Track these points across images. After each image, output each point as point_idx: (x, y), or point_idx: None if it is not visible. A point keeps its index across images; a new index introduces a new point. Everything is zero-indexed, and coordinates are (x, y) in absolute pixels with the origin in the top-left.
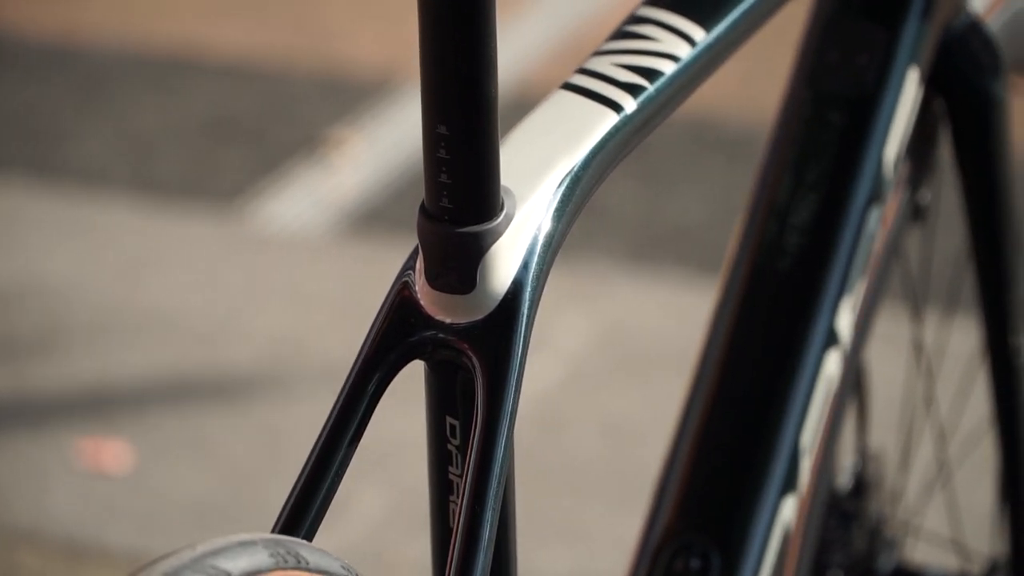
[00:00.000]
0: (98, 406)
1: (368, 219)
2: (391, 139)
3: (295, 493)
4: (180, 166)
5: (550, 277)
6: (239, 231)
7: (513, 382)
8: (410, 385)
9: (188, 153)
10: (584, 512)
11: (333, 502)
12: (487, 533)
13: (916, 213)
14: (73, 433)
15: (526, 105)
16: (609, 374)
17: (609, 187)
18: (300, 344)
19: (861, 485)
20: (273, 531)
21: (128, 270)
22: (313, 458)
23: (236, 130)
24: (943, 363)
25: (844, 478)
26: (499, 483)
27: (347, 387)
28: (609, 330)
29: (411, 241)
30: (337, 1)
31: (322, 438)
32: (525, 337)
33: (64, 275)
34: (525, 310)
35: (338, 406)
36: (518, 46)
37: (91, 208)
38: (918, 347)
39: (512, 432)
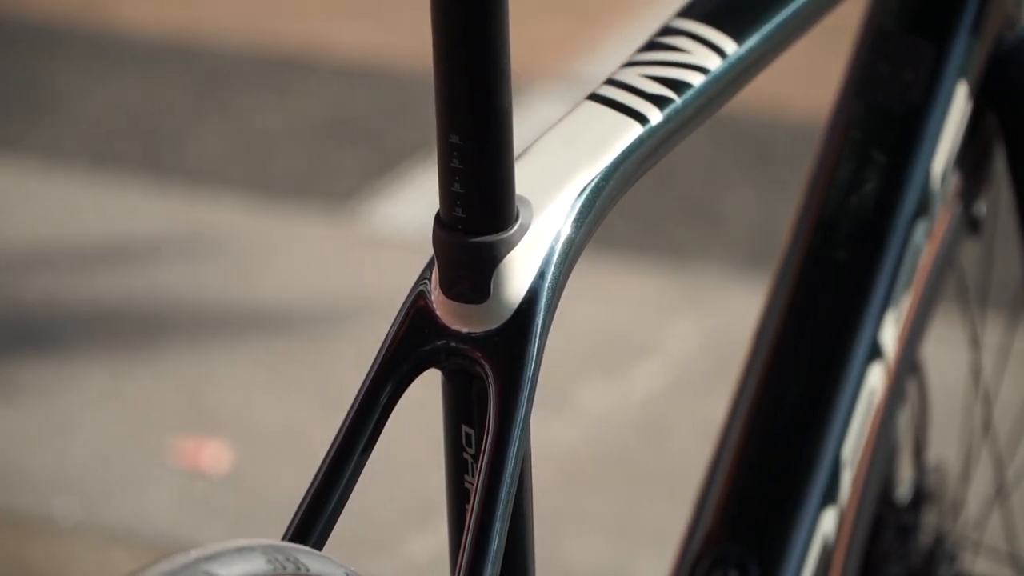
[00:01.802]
0: (199, 406)
1: None
2: None
3: (306, 501)
4: (296, 166)
5: (664, 284)
6: (352, 232)
7: (526, 391)
8: None
9: (304, 153)
10: (683, 519)
11: (434, 502)
12: (495, 544)
13: (973, 227)
14: (172, 432)
15: None
16: (716, 381)
17: (725, 194)
18: None
19: (919, 497)
20: (283, 539)
21: (238, 269)
22: (325, 466)
23: (353, 131)
24: (1007, 373)
25: (903, 490)
26: (509, 493)
27: (361, 395)
28: (719, 337)
29: None
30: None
31: (335, 446)
32: (540, 347)
33: (173, 273)
34: (540, 320)
35: (351, 414)
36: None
37: (204, 207)
38: (976, 372)
39: (525, 441)
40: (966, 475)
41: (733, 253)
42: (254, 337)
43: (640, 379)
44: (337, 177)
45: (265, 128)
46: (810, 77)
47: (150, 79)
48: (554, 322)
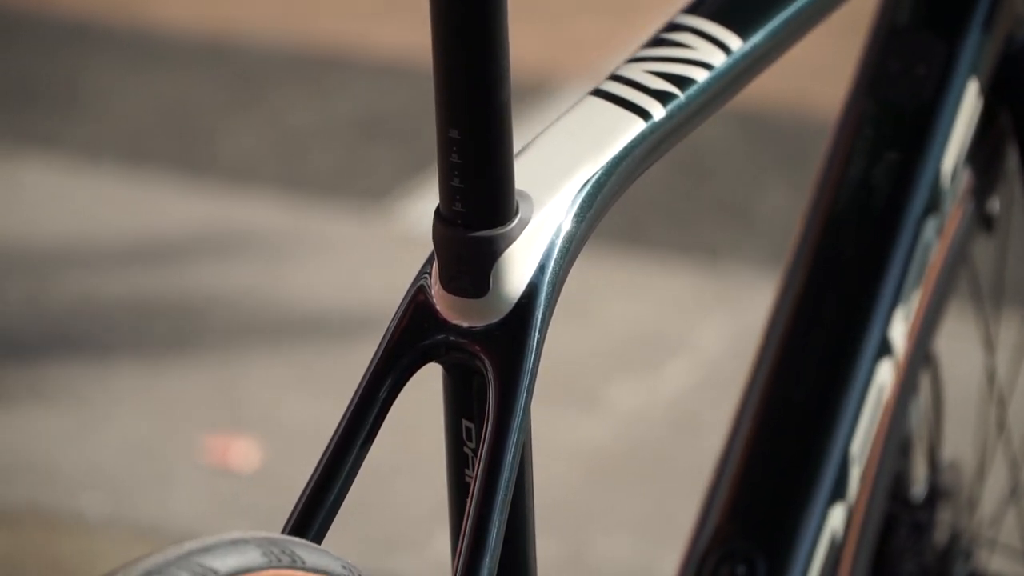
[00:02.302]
0: (229, 403)
1: None
2: None
3: (306, 494)
4: (330, 164)
5: (697, 283)
6: (385, 231)
7: (525, 385)
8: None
9: (338, 152)
10: None
11: None
12: (494, 537)
13: (987, 224)
14: (201, 429)
15: None
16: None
17: (759, 193)
18: None
19: (934, 495)
20: (283, 532)
21: (270, 267)
22: (325, 459)
23: (388, 130)
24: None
25: (918, 487)
26: (508, 487)
27: (361, 388)
28: (751, 336)
29: None
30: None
31: (335, 439)
32: (539, 341)
33: (206, 271)
34: (540, 314)
35: (351, 408)
36: None
37: (237, 205)
38: (990, 376)
39: (524, 436)
40: (981, 473)
41: (766, 252)
42: (285, 335)
43: (671, 378)
44: (371, 175)
45: (299, 126)
46: (846, 77)
47: (184, 76)
48: (586, 320)
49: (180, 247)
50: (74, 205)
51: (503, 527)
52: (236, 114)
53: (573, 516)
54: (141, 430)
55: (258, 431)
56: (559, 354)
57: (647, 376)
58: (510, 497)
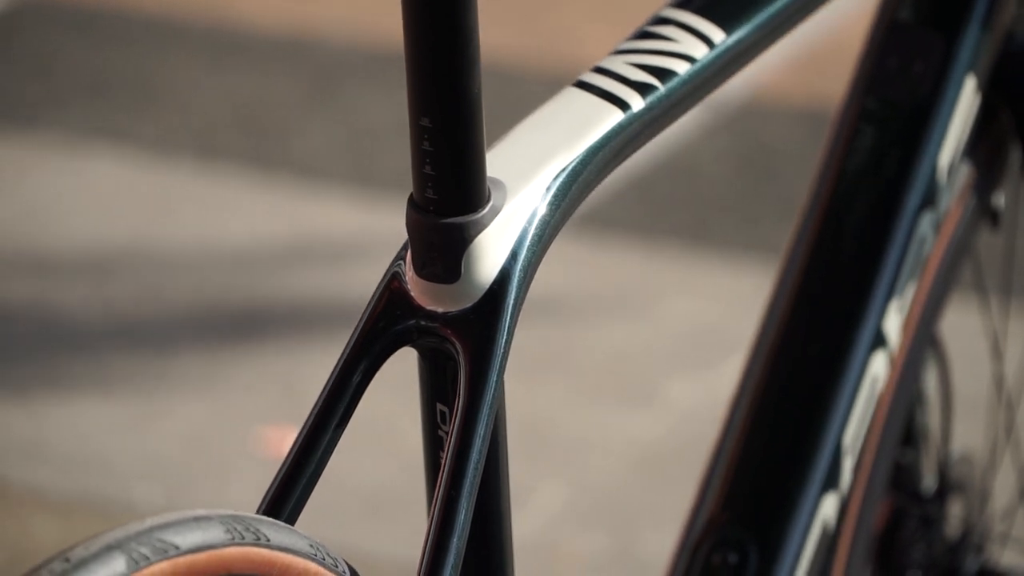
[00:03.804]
0: (289, 397)
1: (584, 218)
2: None
3: (280, 475)
4: (400, 164)
5: (759, 282)
6: None
7: (495, 370)
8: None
9: (409, 151)
10: None
11: (514, 493)
12: (462, 517)
13: (993, 219)
14: (259, 422)
15: (759, 109)
16: None
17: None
18: None
19: (944, 489)
20: (257, 512)
21: (337, 264)
22: (299, 442)
23: None
24: None
25: (928, 481)
26: (476, 468)
27: (336, 372)
28: None
29: (626, 243)
30: (569, 2)
31: (309, 422)
32: (510, 326)
33: (272, 265)
34: (511, 300)
35: (326, 390)
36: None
37: (307, 201)
38: (998, 381)
39: (493, 418)
40: (992, 468)
41: None
42: (346, 330)
43: (729, 376)
44: None
45: (372, 124)
46: None
47: (260, 73)
48: (647, 316)
49: (247, 242)
50: (145, 198)
51: (471, 508)
52: (310, 111)
53: (623, 510)
54: (198, 421)
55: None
56: (618, 349)
57: (705, 373)
58: (479, 478)
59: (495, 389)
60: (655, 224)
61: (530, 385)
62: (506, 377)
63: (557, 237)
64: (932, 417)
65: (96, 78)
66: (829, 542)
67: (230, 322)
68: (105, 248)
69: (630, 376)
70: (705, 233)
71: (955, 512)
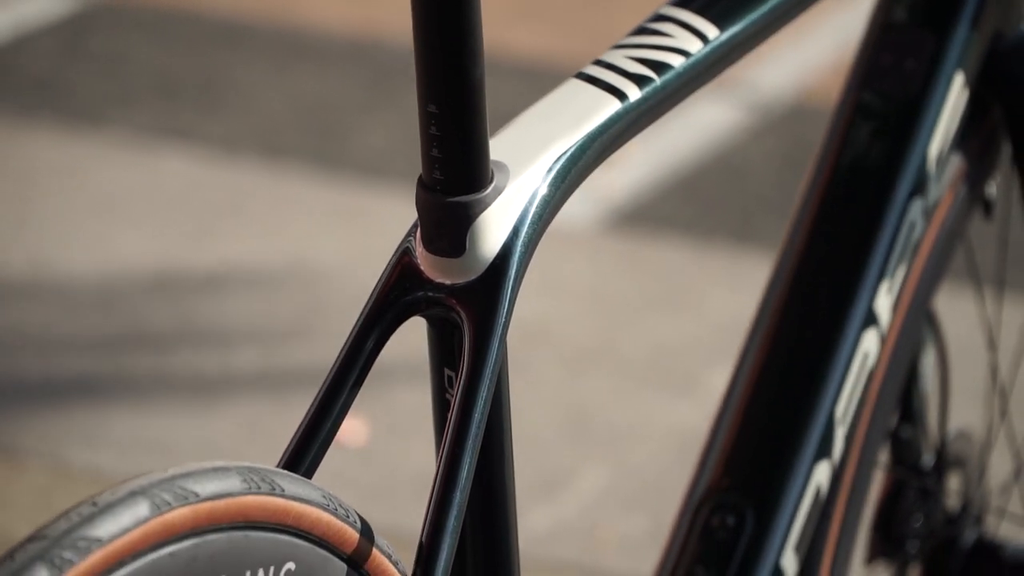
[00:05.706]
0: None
1: (633, 216)
2: (666, 139)
3: (299, 432)
4: None
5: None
6: None
7: (497, 336)
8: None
9: None
10: None
11: (556, 475)
12: (464, 473)
13: (985, 208)
14: None
15: (806, 112)
16: None
17: None
18: (545, 332)
19: (942, 462)
20: (277, 467)
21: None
22: (317, 401)
23: None
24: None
25: (928, 455)
26: (479, 428)
27: (351, 338)
28: None
29: (674, 239)
30: (630, 9)
31: (327, 383)
32: (511, 297)
33: (330, 261)
34: (513, 272)
35: (342, 355)
36: (803, 58)
37: (365, 198)
38: (993, 372)
39: (495, 382)
40: (989, 442)
41: None
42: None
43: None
44: None
45: None
46: None
47: (324, 74)
48: (691, 309)
49: (308, 236)
50: (211, 195)
51: (474, 464)
52: (371, 111)
53: (663, 494)
54: (254, 407)
55: (367, 409)
56: (661, 340)
57: None
58: (480, 437)
59: (497, 354)
60: (702, 222)
61: (577, 373)
62: (553, 365)
63: (607, 234)
64: (931, 394)
65: (165, 78)
66: (822, 507)
67: (289, 313)
68: (169, 243)
69: (674, 366)
70: (750, 231)
71: (954, 486)
